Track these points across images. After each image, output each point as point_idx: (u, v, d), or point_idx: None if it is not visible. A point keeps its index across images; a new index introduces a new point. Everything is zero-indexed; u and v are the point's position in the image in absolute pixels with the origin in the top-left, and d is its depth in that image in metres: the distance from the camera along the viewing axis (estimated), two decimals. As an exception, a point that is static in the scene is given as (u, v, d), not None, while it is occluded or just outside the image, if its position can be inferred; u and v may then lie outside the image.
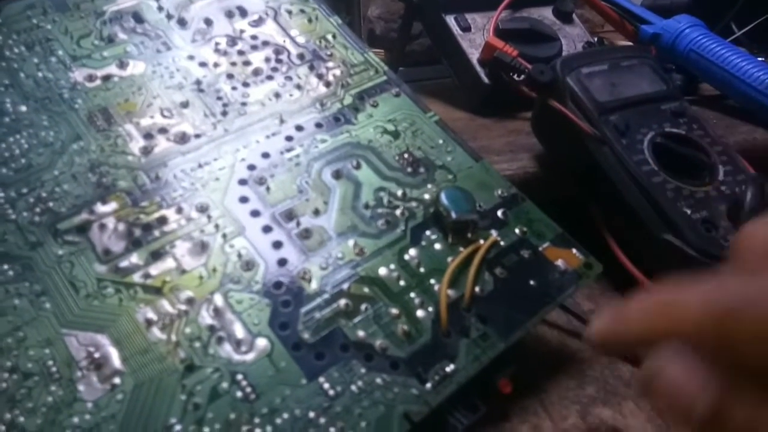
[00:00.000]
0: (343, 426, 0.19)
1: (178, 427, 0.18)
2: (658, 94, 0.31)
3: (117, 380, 0.19)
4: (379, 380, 0.20)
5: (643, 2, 0.68)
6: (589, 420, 0.24)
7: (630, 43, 0.45)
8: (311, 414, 0.19)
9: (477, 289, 0.23)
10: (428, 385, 0.20)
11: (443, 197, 0.25)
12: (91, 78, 0.26)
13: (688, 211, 0.27)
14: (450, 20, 0.42)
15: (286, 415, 0.19)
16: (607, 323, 0.17)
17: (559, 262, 0.24)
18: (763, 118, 0.38)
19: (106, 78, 0.26)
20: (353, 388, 0.20)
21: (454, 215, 0.24)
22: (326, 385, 0.20)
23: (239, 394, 0.19)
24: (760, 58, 0.44)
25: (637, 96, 0.31)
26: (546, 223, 0.26)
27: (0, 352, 0.19)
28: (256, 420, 0.19)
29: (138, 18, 0.28)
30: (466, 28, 0.42)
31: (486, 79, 0.39)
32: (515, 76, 0.38)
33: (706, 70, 0.40)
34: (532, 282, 0.24)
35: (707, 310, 0.13)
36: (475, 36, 0.41)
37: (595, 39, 0.46)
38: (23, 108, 0.24)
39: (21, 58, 0.26)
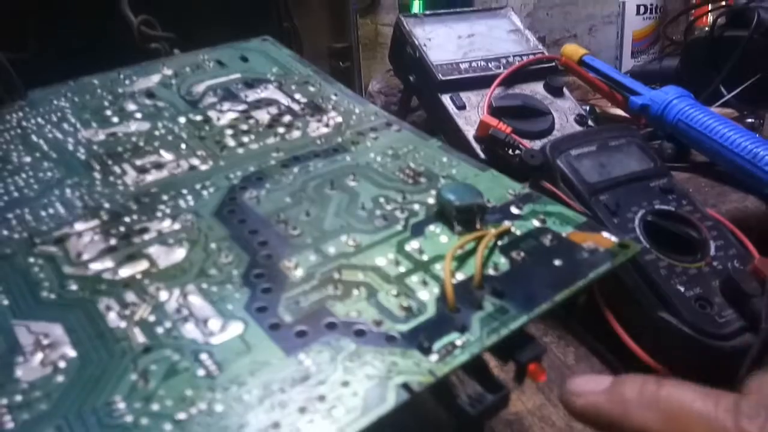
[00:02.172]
0: (323, 396, 0.15)
1: (121, 405, 0.15)
2: (647, 172, 0.32)
3: (62, 364, 0.16)
4: (371, 353, 0.16)
5: (633, 66, 0.69)
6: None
7: (620, 113, 0.46)
8: (287, 387, 0.15)
9: (491, 271, 0.20)
10: (433, 357, 0.16)
11: (444, 191, 0.22)
12: (96, 134, 0.27)
13: (682, 289, 0.27)
14: (446, 99, 0.43)
15: (255, 391, 0.15)
16: (600, 397, 0.17)
17: (589, 243, 0.21)
18: (752, 186, 0.38)
19: (111, 134, 0.27)
20: (339, 361, 0.16)
21: (457, 202, 0.22)
22: (307, 361, 0.16)
23: (201, 372, 0.16)
24: (749, 120, 0.45)
25: (626, 175, 0.31)
26: (567, 214, 0.23)
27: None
28: (218, 395, 0.15)
29: (150, 95, 0.30)
30: (461, 107, 0.43)
31: (482, 155, 0.40)
32: (510, 152, 0.38)
33: (695, 139, 0.40)
34: (557, 262, 0.20)
35: None
36: (470, 113, 0.43)
37: (587, 108, 0.47)
38: (27, 159, 0.25)
39: (37, 126, 0.27)
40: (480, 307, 0.18)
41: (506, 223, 0.22)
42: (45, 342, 0.17)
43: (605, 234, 0.22)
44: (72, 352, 0.16)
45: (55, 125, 0.28)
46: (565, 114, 0.44)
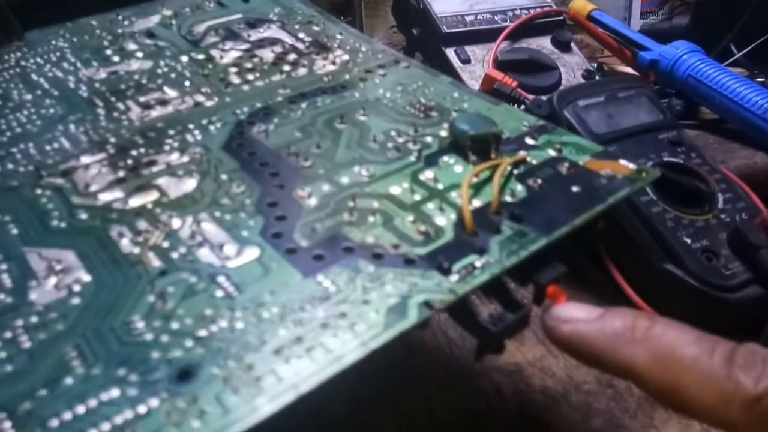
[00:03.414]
0: (344, 313, 0.15)
1: (140, 324, 0.15)
2: (656, 124, 0.31)
3: (77, 287, 0.16)
4: (391, 275, 0.16)
5: (642, 26, 0.68)
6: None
7: (629, 70, 0.45)
8: (306, 306, 0.15)
9: (508, 198, 0.19)
10: (453, 277, 0.16)
11: (457, 121, 0.22)
12: (97, 72, 0.26)
13: (688, 241, 0.27)
14: (450, 53, 0.42)
15: (275, 309, 0.15)
16: (589, 326, 0.16)
17: (606, 170, 0.21)
18: (762, 142, 0.37)
19: (113, 73, 0.26)
20: (358, 282, 0.16)
21: (471, 132, 0.21)
22: (326, 282, 0.16)
23: (219, 293, 0.16)
24: (759, 79, 0.43)
25: (635, 126, 0.31)
26: (583, 144, 0.22)
27: (-47, 268, 0.16)
28: (238, 314, 0.15)
29: (150, 35, 0.29)
30: (465, 60, 0.42)
31: None
32: (515, 107, 0.37)
33: (705, 95, 0.39)
34: (575, 189, 0.20)
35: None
36: (475, 67, 0.42)
37: (595, 65, 0.46)
38: (28, 96, 0.25)
39: (36, 65, 0.27)
40: (498, 231, 0.18)
41: (522, 153, 0.21)
42: (58, 267, 0.16)
43: (623, 161, 0.21)
44: (86, 277, 0.16)
45: (55, 64, 0.27)
46: (572, 69, 0.43)
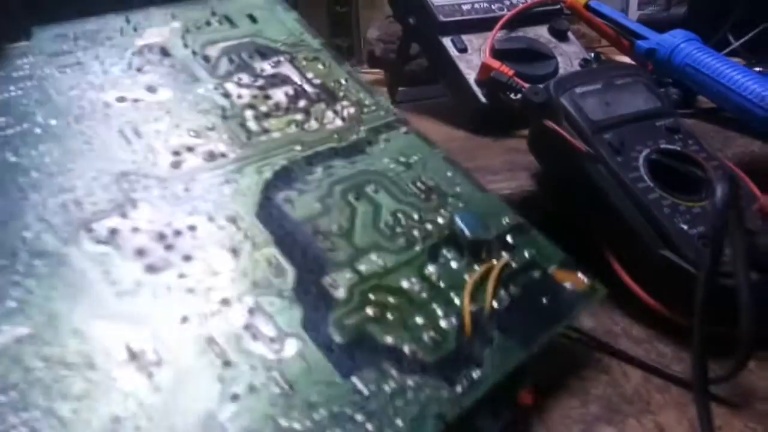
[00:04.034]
0: (379, 423, 0.19)
1: (221, 416, 0.18)
2: (653, 111, 0.32)
3: (155, 371, 0.19)
4: (410, 382, 0.20)
5: (639, 16, 0.69)
6: (593, 439, 0.23)
7: (626, 60, 0.45)
8: (348, 410, 0.19)
9: (494, 304, 0.24)
10: (458, 388, 0.21)
11: (458, 219, 0.26)
12: (121, 99, 0.27)
13: (685, 227, 0.27)
14: (447, 42, 0.43)
15: (323, 411, 0.19)
16: None
17: (567, 284, 0.26)
18: (760, 130, 0.38)
19: (136, 100, 0.27)
20: (386, 388, 0.20)
21: (469, 235, 0.25)
22: (360, 384, 0.20)
23: (276, 389, 0.19)
24: (757, 69, 0.42)
25: (632, 113, 0.31)
26: (552, 249, 0.27)
27: (36, 342, 0.18)
28: (294, 414, 0.19)
29: (165, 52, 0.30)
30: (462, 49, 0.42)
31: (483, 99, 0.40)
32: (512, 95, 0.38)
33: (702, 83, 0.40)
34: (544, 300, 0.25)
35: None
36: (472, 57, 0.42)
37: (592, 55, 0.47)
38: (53, 122, 0.25)
39: (52, 77, 0.27)
40: (490, 341, 0.22)
41: (505, 256, 0.26)
42: (133, 346, 0.19)
43: (579, 275, 0.26)
44: (159, 359, 0.19)
45: (74, 80, 0.27)
46: (569, 59, 0.44)
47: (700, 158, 0.30)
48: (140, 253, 0.21)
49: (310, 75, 0.32)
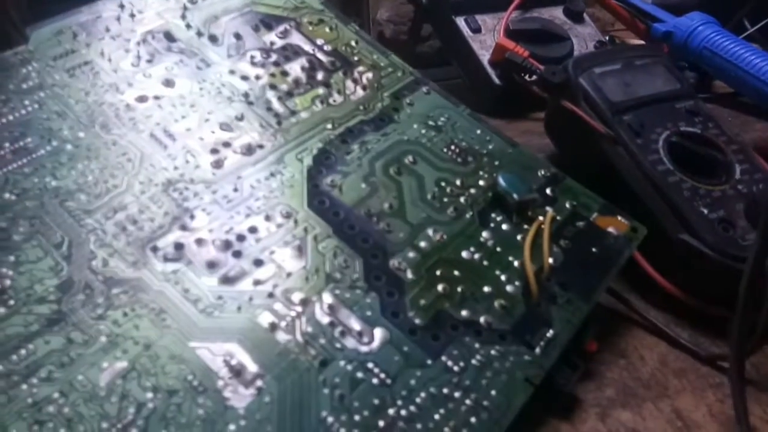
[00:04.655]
0: (476, 397, 0.20)
1: (330, 419, 0.19)
2: (673, 93, 0.31)
3: (260, 383, 0.19)
4: (494, 351, 0.22)
5: (653, 0, 0.69)
6: (609, 423, 0.23)
7: (642, 42, 0.45)
8: (445, 390, 0.20)
9: (551, 261, 0.25)
10: (537, 350, 0.22)
11: (501, 182, 0.26)
12: (142, 99, 0.26)
13: (705, 211, 0.27)
14: (460, 22, 0.42)
15: (423, 394, 0.20)
16: None
17: (611, 229, 0.27)
18: None
19: (157, 98, 0.26)
20: (474, 362, 0.21)
21: (516, 197, 0.26)
22: (449, 363, 0.21)
23: (375, 381, 0.20)
24: None
25: (651, 95, 0.31)
26: (589, 195, 0.28)
27: (138, 374, 0.19)
28: (399, 402, 0.20)
29: (170, 37, 0.28)
30: (476, 30, 0.42)
31: (497, 80, 0.40)
32: (526, 77, 0.38)
33: (720, 67, 0.39)
34: (593, 249, 0.26)
35: None
36: (486, 37, 0.42)
37: (607, 38, 0.46)
38: (81, 134, 0.24)
39: (64, 84, 0.25)
40: (554, 299, 0.24)
41: (549, 211, 0.27)
42: (233, 363, 0.19)
43: (620, 218, 0.27)
44: (261, 371, 0.19)
45: (87, 84, 0.26)
46: (584, 40, 0.43)
47: (720, 142, 0.30)
48: (212, 265, 0.21)
49: (320, 42, 0.31)
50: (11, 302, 0.19)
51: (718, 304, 0.27)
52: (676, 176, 0.28)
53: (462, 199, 0.26)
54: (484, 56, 0.41)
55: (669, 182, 0.28)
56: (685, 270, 0.27)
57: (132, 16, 0.28)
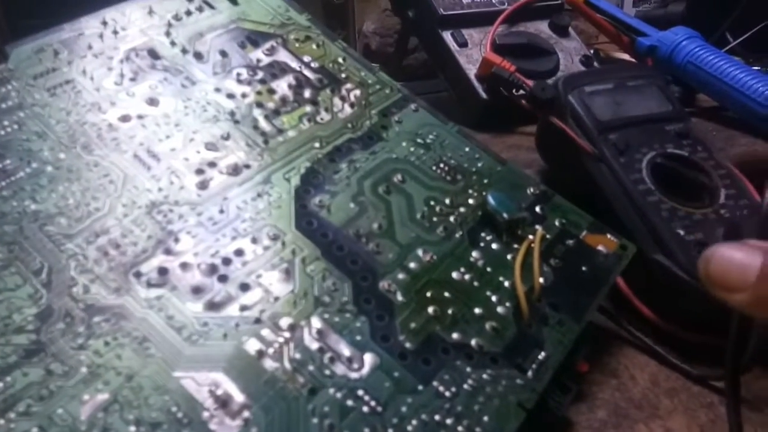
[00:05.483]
0: (469, 423, 0.20)
1: (320, 450, 0.18)
2: (663, 115, 0.31)
3: (247, 414, 0.19)
4: (485, 375, 0.21)
5: (636, 12, 0.69)
6: (601, 445, 0.23)
7: (625, 57, 0.45)
8: (437, 417, 0.20)
9: (542, 281, 0.25)
10: (529, 374, 0.22)
11: (491, 201, 0.26)
12: (125, 118, 0.25)
13: (682, 232, 0.27)
14: (447, 36, 0.42)
15: (415, 422, 0.20)
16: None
17: (600, 247, 0.27)
18: (763, 129, 0.38)
19: (141, 117, 0.25)
20: (466, 386, 0.21)
21: (506, 216, 0.26)
22: (441, 388, 0.21)
23: (366, 408, 0.19)
24: (755, 68, 0.42)
25: (641, 116, 0.31)
26: (578, 213, 0.28)
27: (120, 407, 0.18)
28: (390, 430, 0.19)
29: (154, 55, 0.28)
30: (462, 44, 0.42)
31: (484, 95, 0.40)
32: (513, 91, 0.38)
33: (704, 81, 0.40)
34: (583, 268, 0.26)
35: None
36: (472, 51, 0.42)
37: (592, 51, 0.46)
38: (62, 156, 0.23)
39: (45, 103, 0.25)
40: (546, 323, 0.23)
41: (539, 230, 0.26)
42: (219, 393, 0.19)
43: (609, 235, 0.27)
44: (247, 401, 0.19)
45: (69, 103, 0.25)
46: (570, 54, 0.44)
47: (706, 165, 0.30)
48: (197, 290, 0.21)
49: (307, 59, 0.30)
50: (-12, 332, 0.18)
51: (693, 326, 0.26)
52: (655, 196, 0.28)
53: (451, 219, 0.26)
54: (471, 70, 0.41)
55: (648, 201, 0.28)
56: (661, 291, 0.27)
57: (115, 33, 0.28)
